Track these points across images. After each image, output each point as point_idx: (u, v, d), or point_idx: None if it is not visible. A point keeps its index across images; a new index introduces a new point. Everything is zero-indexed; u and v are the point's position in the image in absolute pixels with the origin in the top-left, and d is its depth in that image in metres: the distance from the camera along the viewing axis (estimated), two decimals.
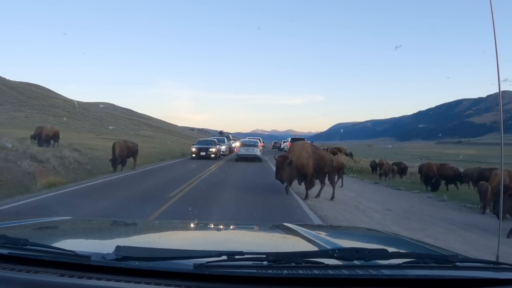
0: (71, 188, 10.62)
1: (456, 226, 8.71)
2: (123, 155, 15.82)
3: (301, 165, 10.33)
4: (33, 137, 20.79)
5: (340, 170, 14.03)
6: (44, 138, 20.93)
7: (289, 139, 37.08)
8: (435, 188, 17.12)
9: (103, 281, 1.15)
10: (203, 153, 24.69)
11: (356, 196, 12.54)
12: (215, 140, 28.20)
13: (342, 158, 25.07)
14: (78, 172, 13.70)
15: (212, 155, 24.72)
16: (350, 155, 29.89)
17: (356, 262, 1.27)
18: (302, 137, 39.17)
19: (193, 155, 24.89)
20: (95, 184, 11.66)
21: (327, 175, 11.23)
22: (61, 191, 9.87)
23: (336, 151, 26.46)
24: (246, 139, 31.12)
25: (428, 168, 18.27)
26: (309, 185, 10.61)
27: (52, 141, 21.43)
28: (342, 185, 14.22)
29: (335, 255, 1.28)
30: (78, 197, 9.26)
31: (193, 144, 27.41)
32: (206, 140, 29.03)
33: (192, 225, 2.42)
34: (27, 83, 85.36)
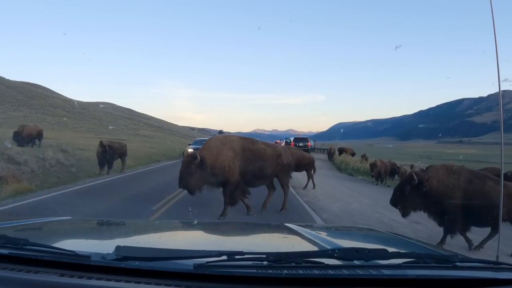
0: (37, 197, 8.92)
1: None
2: (110, 156, 14.56)
3: (220, 167, 7.20)
4: (14, 136, 19.10)
5: (309, 168, 12.98)
6: (26, 137, 19.35)
7: (292, 138, 36.39)
8: None
9: (103, 281, 1.15)
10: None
11: (374, 205, 10.64)
12: None
13: (348, 159, 23.77)
14: (60, 176, 12.44)
15: None
16: (364, 157, 27.78)
17: (356, 262, 1.27)
18: (305, 137, 38.76)
19: None
20: (69, 192, 9.98)
21: (274, 179, 8.30)
22: (21, 202, 8.19)
23: (337, 151, 25.85)
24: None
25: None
26: (230, 200, 7.37)
27: (36, 141, 19.89)
28: (314, 187, 12.81)
29: (335, 255, 1.28)
30: (39, 210, 7.61)
31: (189, 145, 24.58)
32: (203, 140, 26.83)
33: (192, 225, 2.42)
34: (26, 83, 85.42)
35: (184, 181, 7.00)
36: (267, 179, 8.16)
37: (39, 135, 20.31)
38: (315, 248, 1.64)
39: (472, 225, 6.41)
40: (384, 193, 14.39)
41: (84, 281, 1.14)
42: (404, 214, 6.61)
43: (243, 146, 7.64)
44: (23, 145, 18.26)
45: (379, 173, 18.33)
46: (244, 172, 7.49)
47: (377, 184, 17.99)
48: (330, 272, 1.22)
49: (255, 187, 8.08)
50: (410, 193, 6.36)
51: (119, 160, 15.60)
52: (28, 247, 1.31)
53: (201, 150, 7.53)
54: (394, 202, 6.67)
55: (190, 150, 22.58)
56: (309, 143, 33.79)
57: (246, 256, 1.26)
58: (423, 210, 6.62)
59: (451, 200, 6.29)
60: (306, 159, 13.27)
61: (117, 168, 15.46)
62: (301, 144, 32.73)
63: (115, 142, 15.77)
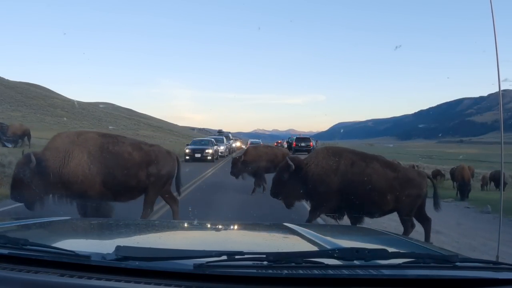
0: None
1: None
2: None
3: (70, 176, 5.36)
4: None
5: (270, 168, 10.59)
6: (11, 136, 18.52)
7: (294, 137, 35.73)
8: (462, 195, 14.40)
9: (103, 281, 1.15)
10: (198, 155, 21.80)
11: None
12: (212, 140, 25.36)
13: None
14: None
15: (209, 157, 21.91)
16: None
17: (356, 262, 1.27)
18: (307, 136, 38.26)
19: (187, 157, 21.75)
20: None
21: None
22: (2, 208, 7.25)
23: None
24: (250, 140, 30.12)
25: (461, 172, 15.32)
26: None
27: (20, 141, 19.05)
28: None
29: (335, 255, 1.28)
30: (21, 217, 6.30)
31: (187, 145, 24.30)
32: (202, 140, 25.98)
33: (192, 225, 2.42)
34: (26, 83, 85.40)
35: (15, 192, 5.33)
36: (132, 195, 5.97)
37: (24, 135, 19.39)
38: (315, 248, 1.64)
39: (358, 213, 5.84)
40: None
41: (84, 281, 1.14)
42: (288, 205, 6.04)
43: (101, 146, 5.64)
44: (6, 145, 17.45)
45: None
46: (104, 183, 5.53)
47: None
48: (330, 272, 1.22)
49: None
50: (289, 181, 5.77)
51: None
52: (28, 247, 1.31)
53: (43, 150, 5.69)
54: (274, 193, 6.04)
55: (188, 150, 22.14)
56: (311, 143, 33.45)
57: (246, 256, 1.26)
58: (306, 199, 6.10)
59: (330, 185, 5.62)
60: (279, 158, 10.82)
61: None
62: (303, 144, 32.36)
63: None
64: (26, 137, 19.59)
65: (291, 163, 5.79)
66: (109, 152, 5.67)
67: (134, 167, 5.77)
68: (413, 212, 6.02)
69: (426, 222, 6.12)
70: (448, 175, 19.53)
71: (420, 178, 6.08)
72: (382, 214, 6.13)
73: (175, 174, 6.28)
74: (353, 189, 5.64)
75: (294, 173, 5.73)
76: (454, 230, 6.16)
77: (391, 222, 7.97)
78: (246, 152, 11.89)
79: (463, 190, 14.41)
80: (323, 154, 5.91)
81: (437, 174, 19.80)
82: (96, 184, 5.50)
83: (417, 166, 19.51)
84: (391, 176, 5.80)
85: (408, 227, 5.95)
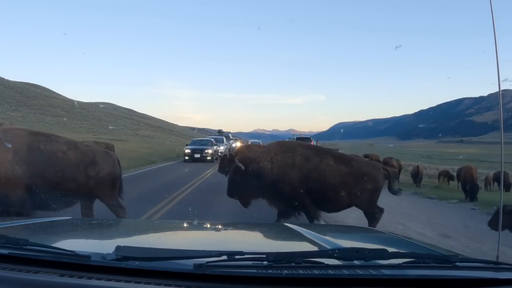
0: None
1: None
2: None
3: None
4: None
5: None
6: None
7: (295, 137, 35.72)
8: (472, 196, 13.79)
9: (103, 281, 1.15)
10: (197, 155, 21.52)
11: (391, 213, 9.65)
12: (212, 140, 25.23)
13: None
14: None
15: (208, 158, 21.72)
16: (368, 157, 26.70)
17: (356, 262, 1.27)
18: (308, 136, 38.31)
19: (186, 158, 21.74)
20: None
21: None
22: None
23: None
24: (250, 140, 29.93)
25: (466, 172, 14.78)
26: None
27: None
28: None
29: (335, 255, 1.28)
30: None
31: (186, 145, 24.14)
32: (202, 140, 25.88)
33: (192, 225, 2.42)
34: (26, 83, 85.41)
35: None
36: (73, 200, 5.27)
37: None
38: (315, 248, 1.64)
39: (314, 209, 5.68)
40: (394, 197, 13.54)
41: (84, 281, 1.14)
42: (244, 204, 5.89)
43: (30, 145, 4.87)
44: None
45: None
46: (32, 186, 4.74)
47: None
48: (330, 272, 1.22)
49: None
50: (243, 180, 5.59)
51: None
52: (28, 247, 1.31)
53: None
54: (230, 193, 5.86)
55: (187, 151, 21.90)
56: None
57: (246, 256, 1.26)
58: (263, 197, 5.82)
59: (287, 181, 5.46)
60: None
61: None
62: None
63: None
64: None
65: (240, 165, 5.61)
66: (40, 152, 4.95)
67: (70, 168, 5.07)
68: (373, 205, 5.90)
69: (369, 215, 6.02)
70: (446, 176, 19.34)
71: (375, 172, 5.93)
72: (339, 209, 6.03)
73: (119, 175, 5.71)
74: (308, 184, 5.50)
75: (247, 172, 5.57)
76: (462, 233, 5.96)
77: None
78: (236, 150, 11.76)
79: (474, 191, 13.81)
80: (276, 150, 5.73)
81: (445, 175, 19.37)
82: (20, 187, 4.72)
83: (417, 166, 19.37)
84: (344, 171, 5.67)
85: (372, 220, 5.84)
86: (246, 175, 5.58)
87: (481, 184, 16.00)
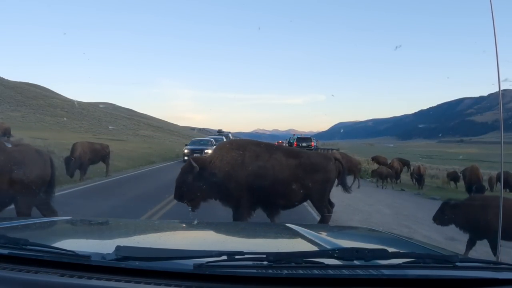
0: None
1: None
2: (85, 160, 12.43)
3: None
4: None
5: None
6: None
7: (295, 137, 35.60)
8: None
9: (103, 281, 1.15)
10: (197, 155, 21.27)
11: (395, 214, 9.79)
12: (212, 140, 24.66)
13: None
14: None
15: None
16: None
17: (356, 262, 1.27)
18: (309, 136, 38.18)
19: (185, 158, 20.85)
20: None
21: None
22: None
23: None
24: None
25: (472, 173, 14.66)
26: None
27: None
28: None
29: (335, 255, 1.28)
30: None
31: (186, 145, 23.88)
32: (201, 140, 25.65)
33: (192, 225, 2.42)
34: (25, 83, 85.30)
35: None
36: (5, 201, 4.95)
37: (5, 134, 18.30)
38: (315, 248, 1.64)
39: (270, 206, 5.57)
40: (397, 198, 13.55)
41: (84, 281, 1.14)
42: (194, 207, 5.66)
43: None
44: None
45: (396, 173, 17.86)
46: None
47: (383, 187, 16.85)
48: (330, 272, 1.22)
49: None
50: (194, 182, 5.42)
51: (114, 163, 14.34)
52: (28, 247, 1.31)
53: None
54: (179, 196, 5.64)
55: (186, 151, 21.56)
56: (312, 143, 33.46)
57: (246, 256, 1.26)
58: (215, 198, 5.66)
59: (239, 179, 5.32)
60: None
61: (103, 172, 13.94)
62: (304, 144, 32.35)
63: (96, 144, 14.10)
64: (6, 136, 18.62)
65: (195, 164, 5.41)
66: None
67: None
68: (325, 198, 5.81)
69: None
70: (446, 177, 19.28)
71: (325, 162, 5.83)
72: (294, 205, 5.87)
73: (50, 178, 5.40)
74: (260, 182, 5.40)
75: (199, 173, 5.40)
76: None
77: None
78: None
79: (481, 192, 13.46)
80: (226, 148, 5.63)
81: (453, 177, 18.94)
82: None
83: (418, 167, 19.29)
84: (293, 163, 5.57)
85: (324, 214, 5.73)
86: (197, 176, 5.42)
87: (485, 184, 15.90)
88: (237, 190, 5.42)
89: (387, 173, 17.37)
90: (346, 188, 6.40)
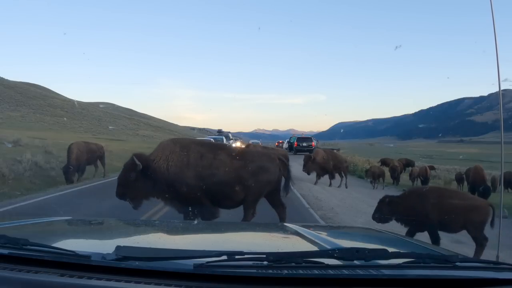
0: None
1: None
2: (82, 160, 12.36)
3: None
4: None
5: None
6: None
7: (296, 137, 35.47)
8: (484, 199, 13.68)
9: (103, 281, 1.15)
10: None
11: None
12: (212, 140, 23.71)
13: (356, 159, 18.26)
14: (36, 181, 10.93)
15: None
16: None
17: (356, 262, 1.27)
18: (309, 136, 38.08)
19: None
20: (33, 204, 8.22)
21: None
22: None
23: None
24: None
25: (476, 173, 14.19)
26: None
27: None
28: None
29: (335, 255, 1.28)
30: None
31: None
32: (201, 140, 25.12)
33: (192, 225, 2.43)
34: (25, 83, 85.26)
35: None
36: None
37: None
38: (315, 248, 1.64)
39: (215, 206, 5.52)
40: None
41: (84, 281, 1.14)
42: (136, 206, 5.61)
43: None
44: None
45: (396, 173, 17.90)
46: None
47: (383, 188, 16.62)
48: (330, 272, 1.22)
49: None
50: (137, 180, 5.35)
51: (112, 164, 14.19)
52: (28, 247, 1.31)
53: None
54: (121, 194, 5.53)
55: None
56: (313, 143, 33.39)
57: (246, 256, 1.26)
58: (157, 197, 5.61)
59: (184, 180, 5.28)
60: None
61: (101, 173, 13.94)
62: (304, 144, 32.28)
63: (91, 144, 14.01)
64: None
65: (138, 162, 5.32)
66: None
67: None
68: (259, 199, 5.76)
69: (280, 207, 5.91)
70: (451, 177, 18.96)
71: (268, 163, 5.76)
72: (236, 205, 5.77)
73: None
74: (204, 182, 5.36)
75: (142, 171, 5.33)
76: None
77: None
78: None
79: (487, 193, 12.80)
80: (170, 148, 5.54)
81: (460, 179, 18.07)
82: None
83: (424, 168, 19.20)
84: (237, 165, 5.54)
85: (248, 215, 5.61)
86: (141, 176, 5.34)
87: (489, 185, 15.80)
88: (180, 190, 5.33)
89: (379, 173, 17.33)
90: (287, 189, 6.18)
